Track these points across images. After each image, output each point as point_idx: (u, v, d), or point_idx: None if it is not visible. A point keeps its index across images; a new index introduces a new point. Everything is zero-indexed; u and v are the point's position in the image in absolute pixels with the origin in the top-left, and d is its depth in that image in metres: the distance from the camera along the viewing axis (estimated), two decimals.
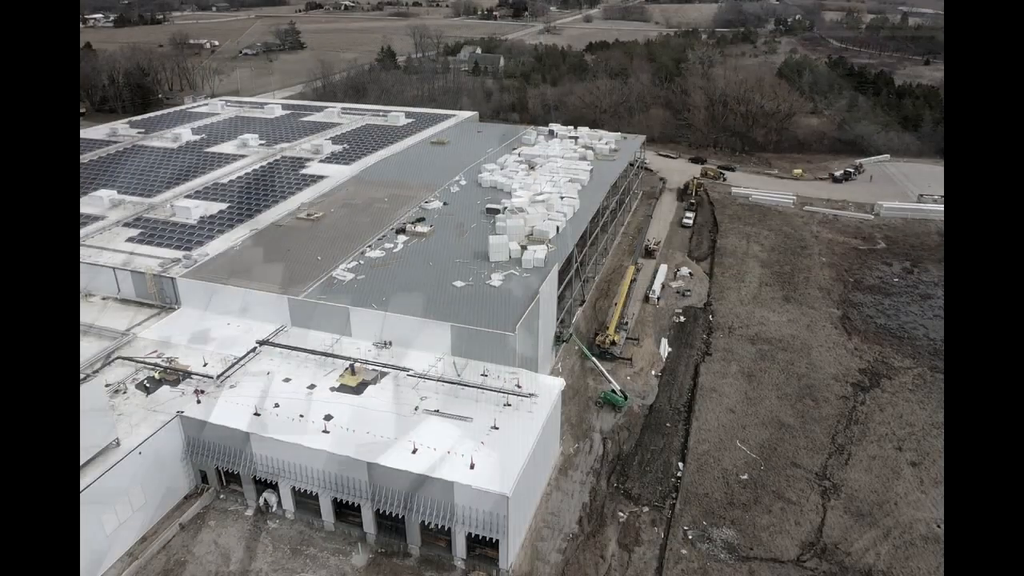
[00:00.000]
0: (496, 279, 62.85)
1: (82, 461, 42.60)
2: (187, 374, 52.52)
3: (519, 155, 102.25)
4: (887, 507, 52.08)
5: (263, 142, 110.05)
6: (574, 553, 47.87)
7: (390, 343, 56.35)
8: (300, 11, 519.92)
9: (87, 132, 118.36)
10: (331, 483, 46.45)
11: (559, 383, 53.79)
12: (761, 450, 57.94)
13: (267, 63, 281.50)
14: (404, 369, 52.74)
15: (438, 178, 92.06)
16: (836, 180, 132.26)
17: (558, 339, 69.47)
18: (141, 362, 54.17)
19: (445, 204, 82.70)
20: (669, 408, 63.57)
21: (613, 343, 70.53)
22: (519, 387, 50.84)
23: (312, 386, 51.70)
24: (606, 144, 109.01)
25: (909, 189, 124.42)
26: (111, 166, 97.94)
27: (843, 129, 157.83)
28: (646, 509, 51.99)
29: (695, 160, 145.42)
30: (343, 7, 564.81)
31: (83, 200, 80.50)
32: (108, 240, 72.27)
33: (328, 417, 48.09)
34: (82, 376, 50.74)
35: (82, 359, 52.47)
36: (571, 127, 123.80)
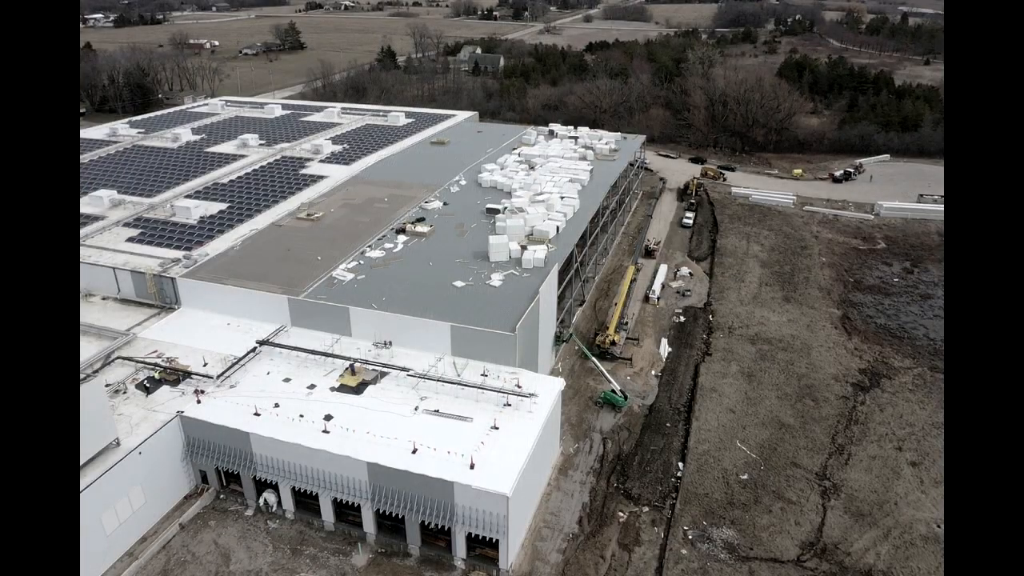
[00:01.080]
0: (496, 279, 62.85)
1: (82, 461, 42.60)
2: (187, 374, 52.52)
3: (519, 155, 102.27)
4: (887, 507, 52.09)
5: (263, 142, 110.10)
6: (574, 553, 47.87)
7: (390, 343, 56.37)
8: (300, 11, 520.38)
9: (87, 132, 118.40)
10: (331, 483, 46.45)
11: (559, 383, 53.78)
12: (761, 450, 57.94)
13: (267, 63, 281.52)
14: (404, 369, 52.74)
15: (438, 178, 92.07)
16: (836, 180, 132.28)
17: (558, 339, 69.46)
18: (141, 362, 54.17)
19: (445, 204, 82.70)
20: (669, 408, 63.57)
21: (613, 343, 70.53)
22: (519, 387, 50.83)
23: (312, 386, 51.70)
24: (606, 144, 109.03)
25: (909, 190, 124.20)
26: (111, 166, 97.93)
27: (843, 129, 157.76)
28: (646, 509, 51.98)
29: (695, 160, 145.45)
30: (343, 7, 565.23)
31: (83, 200, 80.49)
32: (108, 240, 72.27)
33: (328, 417, 48.11)
34: (82, 376, 50.71)
35: (82, 359, 52.46)
36: (571, 127, 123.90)
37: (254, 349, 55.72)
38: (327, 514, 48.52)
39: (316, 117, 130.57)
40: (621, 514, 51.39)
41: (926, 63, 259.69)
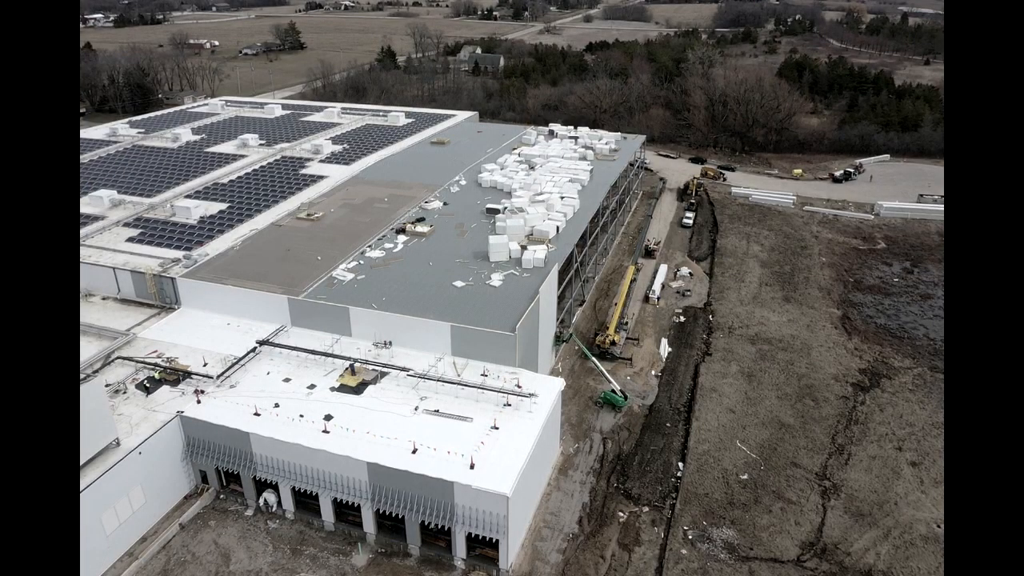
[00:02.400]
0: (496, 279, 62.85)
1: (82, 461, 42.60)
2: (187, 374, 52.52)
3: (519, 155, 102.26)
4: (887, 507, 52.09)
5: (263, 142, 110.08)
6: (574, 553, 47.87)
7: (390, 343, 56.37)
8: (300, 11, 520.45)
9: (87, 132, 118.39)
10: (331, 483, 46.46)
11: (559, 383, 53.78)
12: (761, 450, 57.94)
13: (267, 63, 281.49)
14: (404, 369, 52.74)
15: (438, 178, 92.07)
16: (836, 180, 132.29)
17: (558, 339, 69.45)
18: (141, 362, 54.16)
19: (445, 204, 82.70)
20: (669, 408, 63.57)
21: (613, 343, 70.51)
22: (519, 387, 50.84)
23: (312, 386, 51.70)
24: (606, 144, 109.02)
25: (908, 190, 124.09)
26: (111, 166, 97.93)
27: (843, 129, 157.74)
28: (646, 509, 51.98)
29: (695, 160, 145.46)
30: (343, 7, 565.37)
31: (83, 200, 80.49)
32: (108, 240, 72.27)
33: (328, 417, 48.11)
34: (82, 376, 50.71)
35: (82, 359, 52.45)
36: (571, 127, 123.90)
37: (254, 349, 55.72)
38: (327, 514, 48.51)
39: (316, 117, 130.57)
40: (621, 514, 51.39)
41: (926, 63, 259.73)
